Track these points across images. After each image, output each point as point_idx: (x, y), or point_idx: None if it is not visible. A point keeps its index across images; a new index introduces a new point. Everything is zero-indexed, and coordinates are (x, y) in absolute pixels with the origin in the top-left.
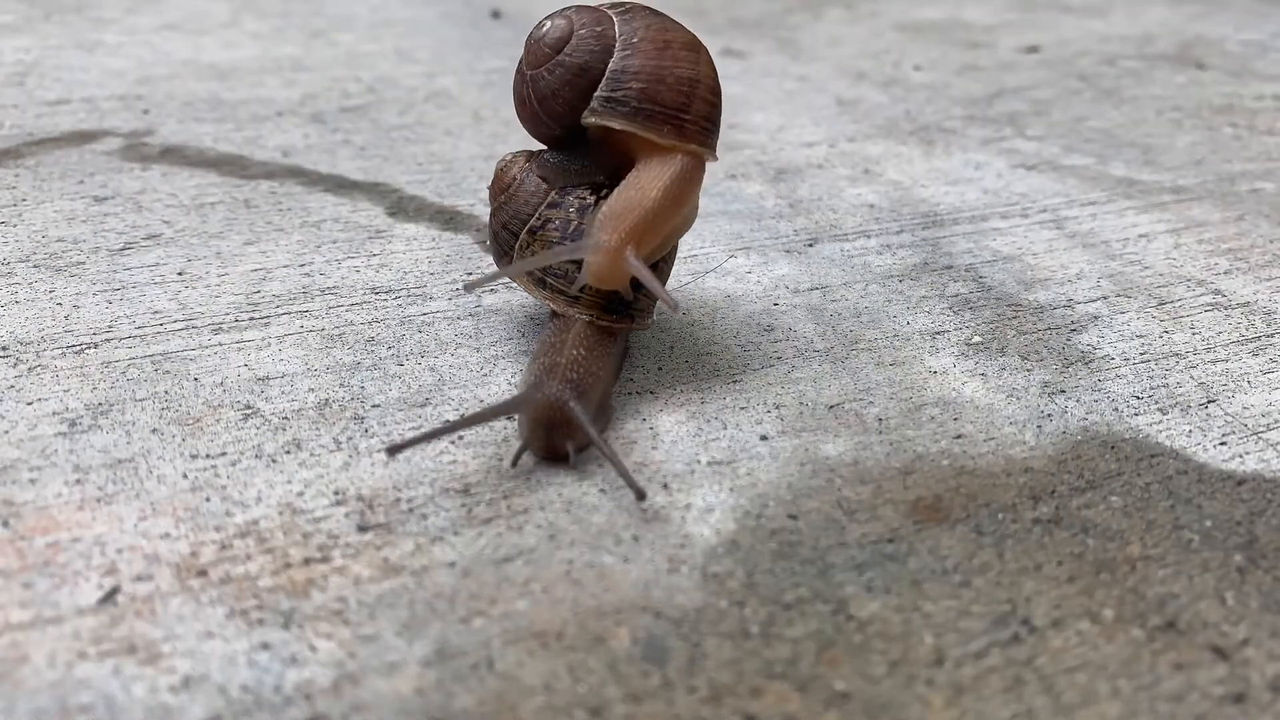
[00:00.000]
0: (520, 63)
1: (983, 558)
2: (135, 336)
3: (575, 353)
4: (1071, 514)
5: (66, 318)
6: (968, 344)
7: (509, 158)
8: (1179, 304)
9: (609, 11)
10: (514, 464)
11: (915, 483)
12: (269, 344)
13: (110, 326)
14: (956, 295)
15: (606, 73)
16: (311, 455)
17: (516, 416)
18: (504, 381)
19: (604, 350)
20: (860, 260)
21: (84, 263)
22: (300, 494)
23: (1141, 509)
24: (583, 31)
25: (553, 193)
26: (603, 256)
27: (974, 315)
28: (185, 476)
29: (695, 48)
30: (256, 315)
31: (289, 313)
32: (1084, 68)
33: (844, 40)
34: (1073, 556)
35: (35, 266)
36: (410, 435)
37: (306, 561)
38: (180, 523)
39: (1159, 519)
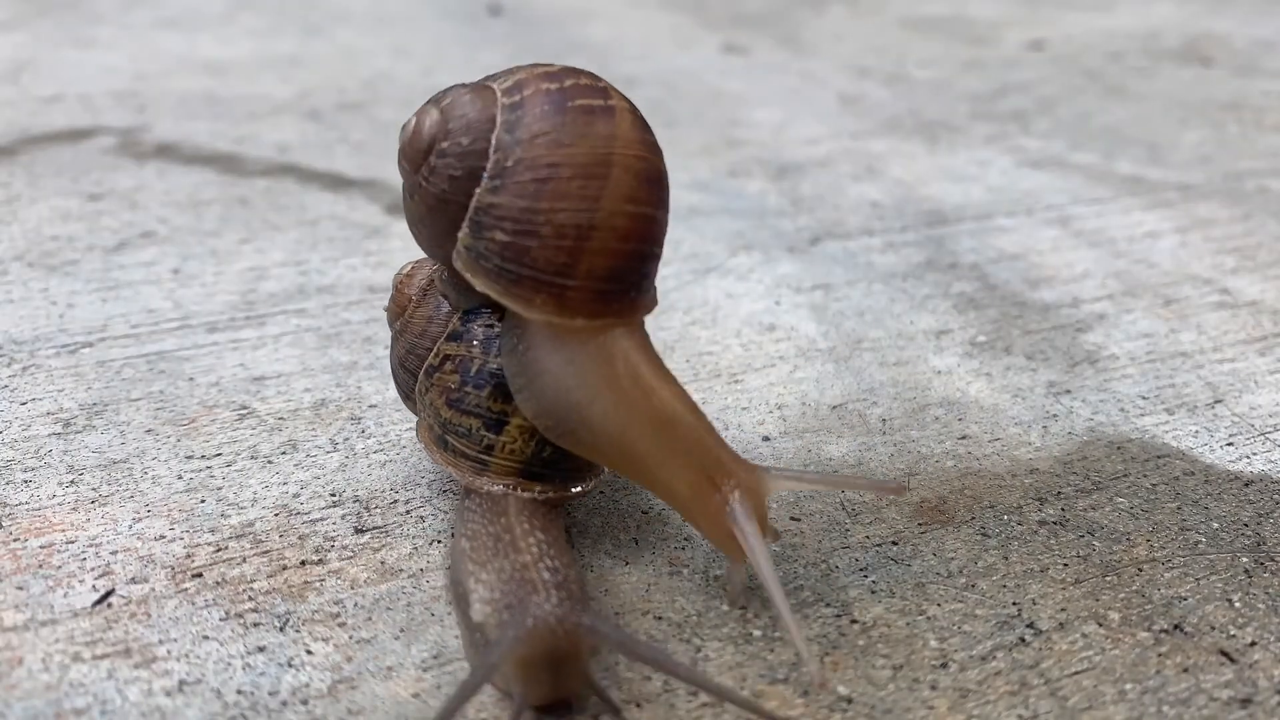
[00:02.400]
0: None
1: (988, 560)
2: (130, 335)
3: (533, 540)
4: (1077, 516)
5: (61, 316)
6: (972, 343)
7: (408, 269)
8: (1185, 303)
9: (497, 100)
10: None
11: (919, 484)
12: (265, 343)
13: (105, 325)
14: (961, 294)
15: (470, 208)
16: (308, 456)
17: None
18: None
19: (557, 524)
20: (864, 259)
21: (78, 261)
22: (296, 495)
23: (1148, 510)
24: (446, 144)
25: (455, 319)
26: None
27: (979, 314)
28: (180, 478)
29: (597, 170)
30: (252, 314)
31: (285, 311)
32: (1089, 64)
33: (847, 36)
34: (1079, 559)
35: (29, 265)
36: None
37: (303, 564)
38: (175, 524)
39: (1165, 521)
